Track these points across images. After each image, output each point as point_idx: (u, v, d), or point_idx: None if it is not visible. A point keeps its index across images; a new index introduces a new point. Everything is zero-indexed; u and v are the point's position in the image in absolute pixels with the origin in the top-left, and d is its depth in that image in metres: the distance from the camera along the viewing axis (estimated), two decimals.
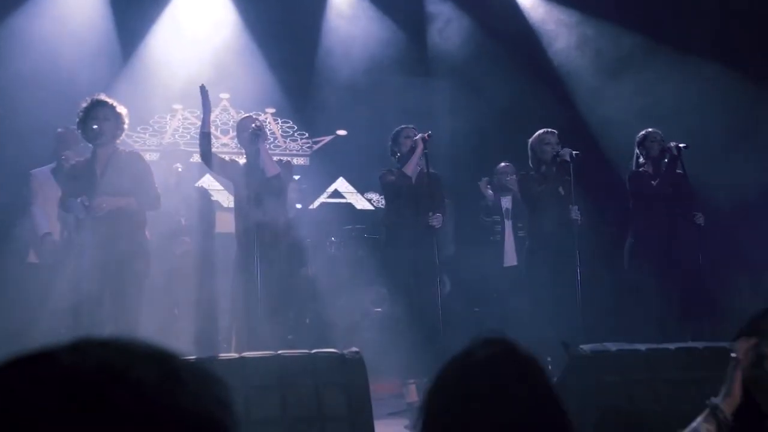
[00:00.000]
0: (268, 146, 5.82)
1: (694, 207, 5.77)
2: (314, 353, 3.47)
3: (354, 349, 3.48)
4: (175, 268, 6.10)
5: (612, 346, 3.68)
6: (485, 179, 7.35)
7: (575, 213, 5.59)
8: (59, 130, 6.09)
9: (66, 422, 0.60)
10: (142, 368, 0.67)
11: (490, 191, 7.28)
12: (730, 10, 7.31)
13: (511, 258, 6.95)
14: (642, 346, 3.70)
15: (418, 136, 5.74)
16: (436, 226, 5.58)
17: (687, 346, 3.70)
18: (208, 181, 8.68)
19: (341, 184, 9.26)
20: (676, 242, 5.79)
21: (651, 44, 7.74)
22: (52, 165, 6.01)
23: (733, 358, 2.23)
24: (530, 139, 6.00)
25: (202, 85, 5.51)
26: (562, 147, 5.80)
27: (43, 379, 0.64)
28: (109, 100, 5.26)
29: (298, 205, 7.55)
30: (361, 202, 9.27)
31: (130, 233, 5.15)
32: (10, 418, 0.59)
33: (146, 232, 5.33)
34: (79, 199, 4.94)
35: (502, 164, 7.25)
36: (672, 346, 3.73)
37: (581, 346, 3.68)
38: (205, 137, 5.52)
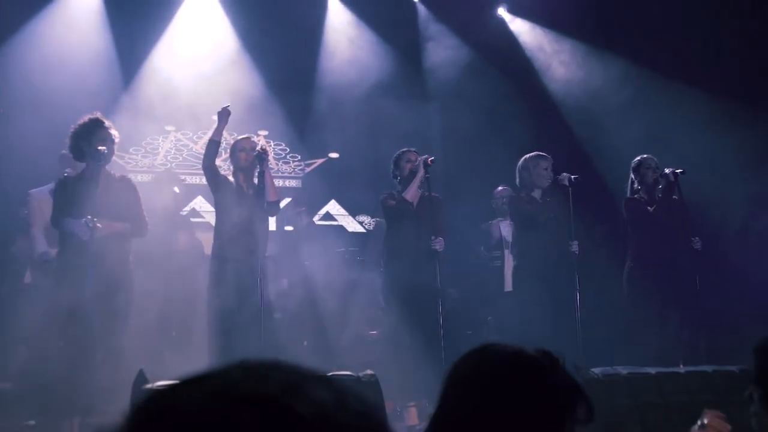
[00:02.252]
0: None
1: (691, 232, 5.82)
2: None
3: (369, 371, 3.49)
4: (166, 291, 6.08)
5: (623, 370, 3.71)
6: (497, 221, 7.31)
7: (575, 247, 5.64)
8: (63, 151, 6.04)
9: None
10: (319, 389, 0.69)
11: (498, 230, 7.22)
12: (726, 37, 7.43)
13: (510, 283, 6.98)
14: (652, 370, 3.74)
15: (420, 159, 5.78)
16: (439, 250, 5.61)
17: (697, 369, 3.74)
18: (200, 202, 8.67)
19: (333, 207, 9.27)
20: (674, 267, 5.86)
21: (645, 71, 7.84)
22: (51, 185, 5.95)
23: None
24: (520, 162, 6.04)
25: (228, 106, 5.67)
26: (559, 171, 5.86)
27: (234, 401, 0.65)
28: (107, 121, 5.27)
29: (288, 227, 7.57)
30: (352, 225, 9.28)
31: (121, 258, 5.17)
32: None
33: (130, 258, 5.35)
34: (83, 220, 4.88)
35: (500, 188, 7.27)
36: (682, 369, 3.77)
37: (592, 370, 3.71)
38: (214, 145, 5.66)
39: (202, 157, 8.63)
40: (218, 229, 5.69)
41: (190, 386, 0.68)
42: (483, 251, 7.26)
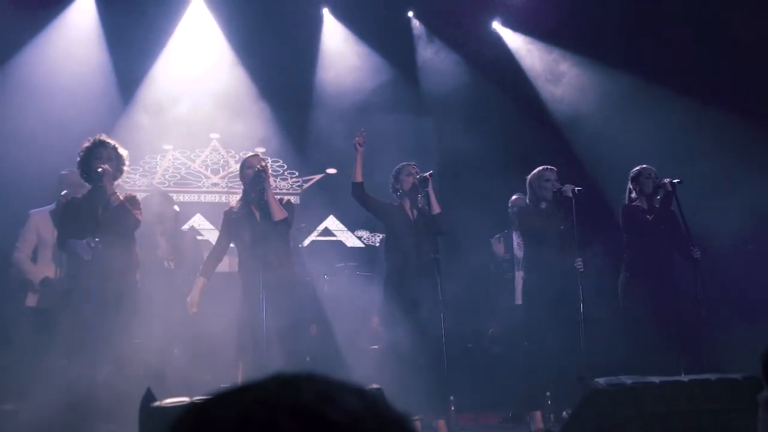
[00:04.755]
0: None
1: (689, 242, 5.85)
2: None
3: (375, 385, 3.50)
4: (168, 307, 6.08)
5: (627, 379, 3.73)
6: (497, 236, 7.31)
7: (579, 264, 5.67)
8: (63, 172, 6.06)
9: None
10: (351, 398, 0.72)
11: (502, 247, 7.22)
12: (725, 51, 7.49)
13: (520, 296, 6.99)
14: (656, 379, 3.76)
15: (419, 175, 5.85)
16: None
17: (701, 378, 3.76)
18: (199, 220, 8.70)
19: (331, 223, 9.29)
20: (671, 277, 5.89)
21: (643, 83, 7.90)
22: (51, 206, 5.96)
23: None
24: (529, 176, 6.09)
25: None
26: (563, 183, 5.89)
27: (269, 409, 0.68)
28: (111, 141, 5.29)
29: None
30: (351, 240, 9.30)
31: (127, 274, 5.19)
32: None
33: (137, 274, 5.35)
34: (85, 241, 4.92)
35: (514, 197, 7.15)
36: (686, 378, 3.79)
37: (597, 380, 3.73)
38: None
39: (199, 175, 8.79)
40: (239, 249, 5.70)
41: (229, 397, 0.71)
42: (492, 269, 7.23)
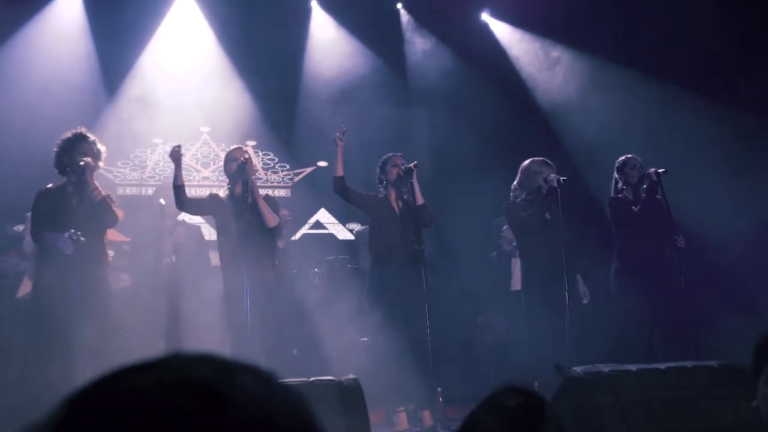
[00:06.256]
0: (256, 181, 5.85)
1: (674, 231, 5.85)
2: (312, 381, 3.48)
3: (351, 376, 3.50)
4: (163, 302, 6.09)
5: (604, 368, 3.72)
6: (507, 227, 7.27)
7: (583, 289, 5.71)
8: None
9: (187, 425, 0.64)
10: (248, 376, 0.72)
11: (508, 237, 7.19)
12: (719, 42, 7.46)
13: (517, 283, 6.97)
14: (633, 367, 3.75)
15: (404, 166, 5.84)
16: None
17: (678, 365, 3.75)
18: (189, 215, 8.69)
19: (323, 215, 9.29)
20: (659, 266, 5.88)
21: (631, 73, 7.90)
22: None
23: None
24: (523, 164, 6.03)
25: (178, 146, 5.53)
26: (547, 170, 5.87)
27: (159, 385, 0.68)
28: (91, 136, 5.26)
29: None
30: (342, 233, 9.30)
31: (101, 262, 5.19)
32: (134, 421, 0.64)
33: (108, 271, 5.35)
34: (66, 234, 4.89)
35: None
36: (663, 366, 3.78)
37: (574, 368, 3.72)
38: (178, 190, 5.53)
39: (190, 168, 8.77)
40: (221, 242, 5.68)
41: (124, 375, 0.71)
42: (495, 258, 7.22)
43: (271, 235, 5.69)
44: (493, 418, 1.63)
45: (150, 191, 7.54)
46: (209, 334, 5.72)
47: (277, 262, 5.80)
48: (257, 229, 5.52)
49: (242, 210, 5.50)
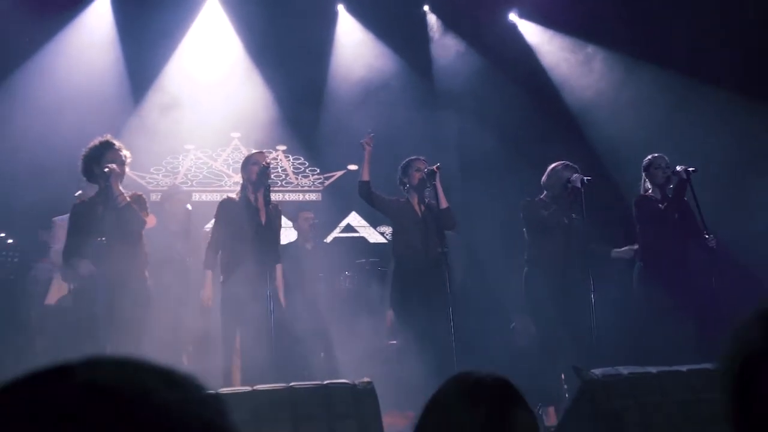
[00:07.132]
0: (279, 184, 5.88)
1: (704, 230, 5.74)
2: (326, 384, 3.49)
3: (366, 379, 3.50)
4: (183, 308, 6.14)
5: (624, 370, 3.68)
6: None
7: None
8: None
9: None
10: (161, 383, 0.72)
11: None
12: (741, 38, 7.34)
13: None
14: (653, 369, 3.71)
15: (427, 168, 5.83)
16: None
17: (699, 367, 3.69)
18: None
19: (354, 219, 9.31)
20: (686, 266, 5.79)
21: (658, 70, 7.78)
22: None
23: None
24: (551, 166, 6.01)
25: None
26: (572, 173, 5.82)
27: (62, 394, 0.68)
28: (117, 143, 5.29)
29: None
30: (374, 236, 9.31)
31: (137, 274, 5.23)
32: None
33: (146, 273, 5.38)
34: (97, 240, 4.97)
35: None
36: (683, 368, 3.72)
37: (593, 371, 3.69)
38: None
39: (221, 174, 8.86)
40: (226, 245, 5.71)
41: (36, 380, 0.71)
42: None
43: (276, 235, 5.74)
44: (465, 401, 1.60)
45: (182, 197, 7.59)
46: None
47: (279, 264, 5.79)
48: (271, 234, 5.57)
49: (254, 214, 5.54)
